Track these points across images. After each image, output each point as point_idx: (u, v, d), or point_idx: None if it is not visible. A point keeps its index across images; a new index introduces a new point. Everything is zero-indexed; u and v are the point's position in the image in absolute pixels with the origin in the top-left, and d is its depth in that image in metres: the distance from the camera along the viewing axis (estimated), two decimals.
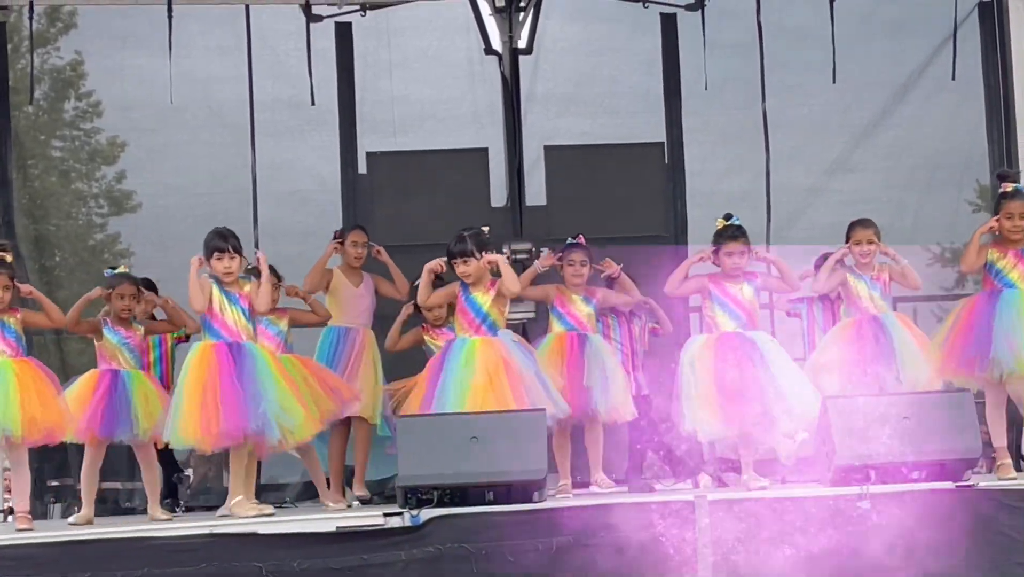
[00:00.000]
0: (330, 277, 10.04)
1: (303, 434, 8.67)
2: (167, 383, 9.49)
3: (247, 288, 8.76)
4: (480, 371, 8.62)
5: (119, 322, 9.10)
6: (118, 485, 10.69)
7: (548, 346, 9.40)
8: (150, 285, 9.66)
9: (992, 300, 8.89)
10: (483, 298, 8.92)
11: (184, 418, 8.40)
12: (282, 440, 8.58)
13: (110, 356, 9.05)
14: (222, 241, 8.72)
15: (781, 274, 9.24)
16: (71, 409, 8.70)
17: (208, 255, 8.70)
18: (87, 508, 8.98)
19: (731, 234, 9.09)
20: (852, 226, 9.52)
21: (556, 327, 9.51)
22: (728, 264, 9.06)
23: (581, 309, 9.47)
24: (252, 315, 8.75)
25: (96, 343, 9.12)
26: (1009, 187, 9.06)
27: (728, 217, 9.20)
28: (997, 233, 9.11)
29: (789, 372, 8.85)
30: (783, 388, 8.74)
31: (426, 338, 9.79)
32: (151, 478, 9.09)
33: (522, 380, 8.67)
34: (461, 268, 8.94)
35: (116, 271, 9.32)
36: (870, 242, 9.41)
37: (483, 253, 8.90)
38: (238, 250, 8.77)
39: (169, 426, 8.49)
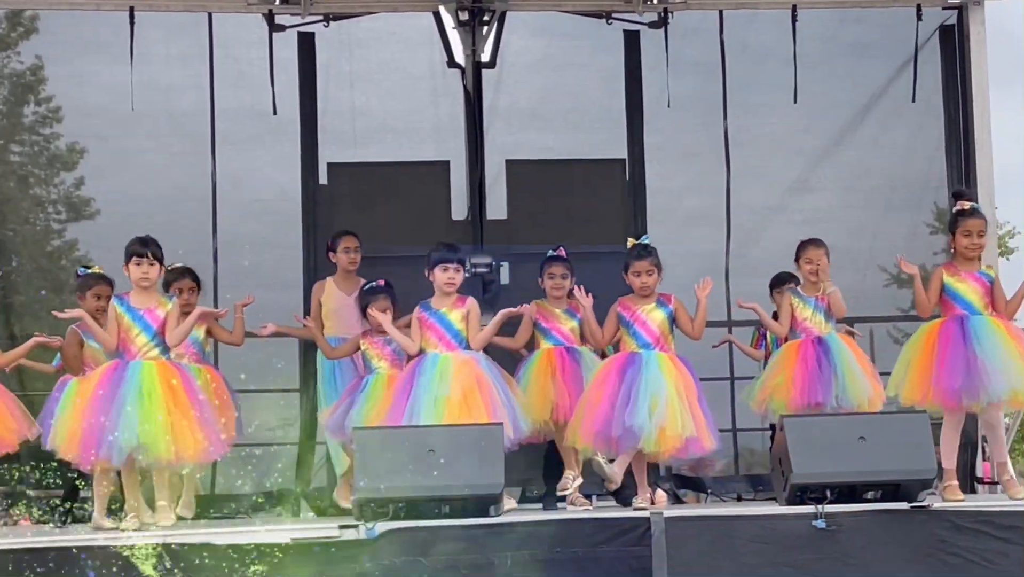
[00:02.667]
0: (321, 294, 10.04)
1: (157, 454, 8.41)
2: None
3: (165, 307, 8.74)
4: (455, 387, 8.61)
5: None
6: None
7: (536, 363, 9.40)
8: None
9: (962, 327, 8.91)
10: (454, 315, 8.92)
11: (59, 435, 8.51)
12: (141, 462, 8.49)
13: (94, 361, 9.05)
14: (141, 246, 8.73)
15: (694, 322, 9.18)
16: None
17: (127, 260, 8.72)
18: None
19: (636, 253, 9.09)
20: (803, 245, 9.57)
21: (543, 343, 9.51)
22: (637, 284, 9.08)
23: (565, 323, 9.48)
24: (160, 333, 8.68)
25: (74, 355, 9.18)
26: (966, 205, 9.12)
27: (637, 237, 9.29)
28: (952, 252, 9.16)
29: (658, 392, 8.78)
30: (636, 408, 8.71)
31: (363, 345, 9.63)
32: (101, 486, 9.02)
33: (495, 399, 8.67)
34: (452, 275, 8.93)
35: (90, 270, 9.32)
36: (820, 261, 9.45)
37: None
38: (158, 258, 8.75)
39: (51, 439, 8.58)
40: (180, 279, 9.80)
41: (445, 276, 9.02)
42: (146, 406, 8.38)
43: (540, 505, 9.75)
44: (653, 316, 9.03)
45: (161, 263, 8.79)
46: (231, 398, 9.58)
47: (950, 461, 9.00)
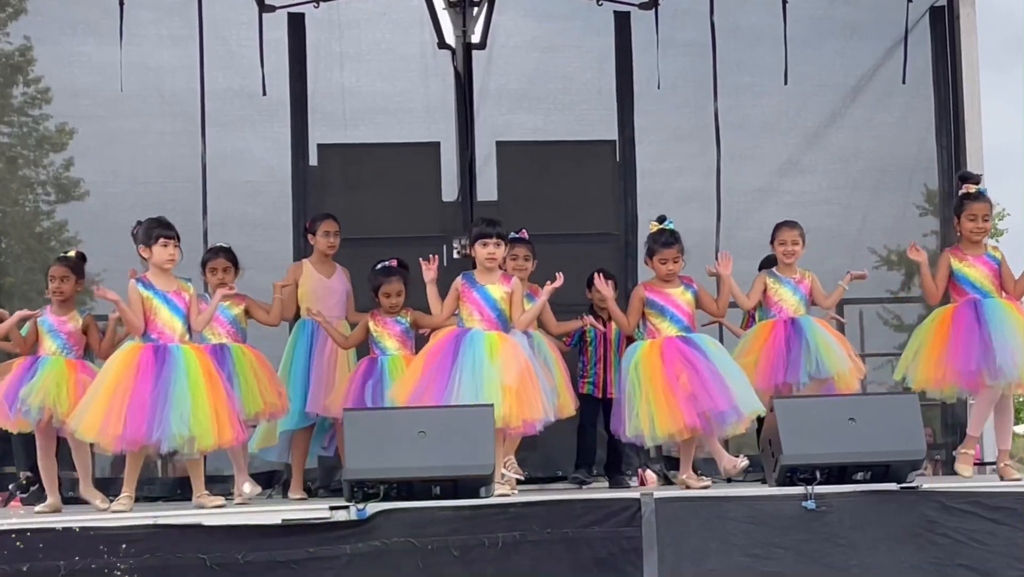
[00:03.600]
0: (299, 275, 10.00)
1: (203, 445, 8.44)
2: None
3: (188, 290, 8.69)
4: (516, 371, 8.56)
5: (56, 308, 9.07)
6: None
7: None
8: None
9: (976, 310, 8.91)
10: (497, 291, 8.87)
11: (91, 415, 8.33)
12: (185, 449, 8.44)
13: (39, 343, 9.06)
14: (165, 228, 8.64)
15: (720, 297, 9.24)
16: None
17: (151, 242, 8.59)
18: (52, 496, 8.93)
19: (664, 240, 9.08)
20: (778, 227, 9.58)
21: None
22: (663, 272, 9.07)
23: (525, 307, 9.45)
24: (188, 317, 8.64)
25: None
26: (972, 188, 9.10)
27: (661, 220, 9.19)
28: (959, 236, 9.16)
29: (733, 372, 8.88)
30: (730, 387, 8.76)
31: (371, 326, 9.60)
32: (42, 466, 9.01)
33: (541, 387, 8.68)
34: (492, 250, 8.86)
35: (69, 255, 9.31)
36: (795, 243, 9.46)
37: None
38: (178, 239, 8.71)
39: (76, 419, 8.43)
40: (215, 258, 9.72)
41: (485, 251, 8.86)
42: (195, 395, 8.35)
43: (530, 485, 9.77)
44: (685, 298, 9.05)
45: (177, 242, 8.74)
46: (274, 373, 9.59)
47: (977, 429, 9.04)
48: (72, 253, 9.36)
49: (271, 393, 9.31)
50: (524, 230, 9.72)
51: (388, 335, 9.47)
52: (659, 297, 9.04)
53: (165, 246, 8.59)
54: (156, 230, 8.63)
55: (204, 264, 9.67)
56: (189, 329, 8.62)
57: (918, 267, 9.25)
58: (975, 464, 10.70)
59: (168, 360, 8.38)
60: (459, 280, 8.90)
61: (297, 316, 10.00)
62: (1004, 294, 9.05)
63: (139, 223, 8.82)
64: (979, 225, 9.03)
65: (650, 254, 9.12)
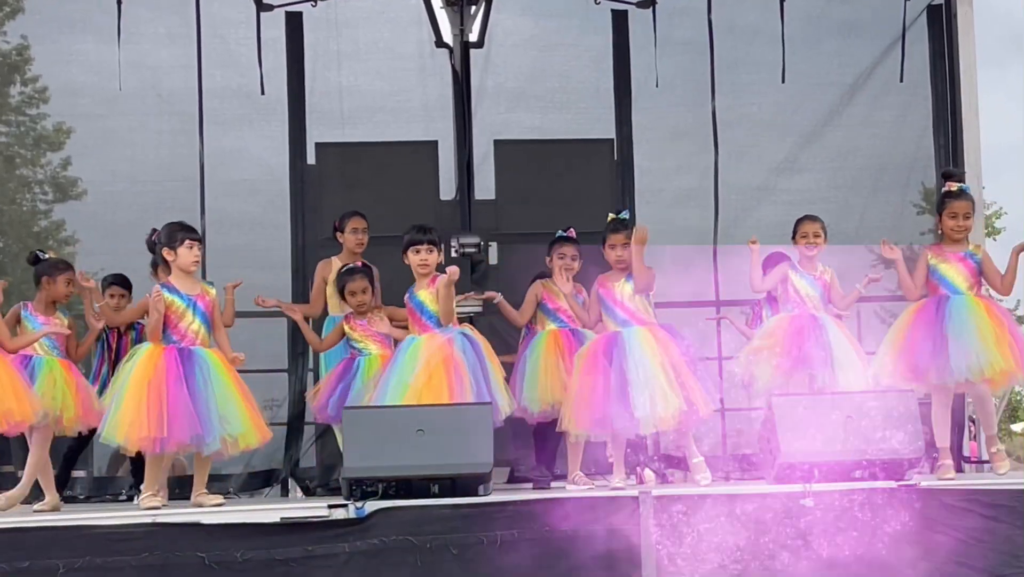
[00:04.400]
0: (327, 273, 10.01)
1: (247, 443, 8.53)
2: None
3: (211, 293, 8.68)
4: (421, 368, 8.60)
5: (40, 308, 9.07)
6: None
7: (543, 343, 9.43)
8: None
9: (940, 306, 8.94)
10: (426, 295, 8.90)
11: (125, 418, 8.28)
12: (224, 449, 8.48)
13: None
14: (190, 231, 8.63)
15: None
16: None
17: (176, 244, 8.56)
18: (50, 494, 8.93)
19: (613, 226, 9.07)
20: (799, 221, 9.58)
21: (548, 324, 9.51)
22: (612, 257, 9.05)
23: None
24: (212, 320, 8.63)
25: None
26: (954, 186, 9.11)
27: (618, 212, 9.25)
28: (940, 233, 9.17)
29: (645, 375, 8.76)
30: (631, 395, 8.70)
31: (346, 328, 9.64)
32: (34, 462, 8.99)
33: (462, 378, 8.65)
34: (425, 256, 8.90)
35: (47, 256, 9.28)
36: (816, 236, 9.46)
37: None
38: (202, 241, 8.73)
39: (106, 423, 8.37)
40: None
41: (417, 258, 8.96)
42: (232, 395, 8.40)
43: (530, 484, 9.77)
44: (625, 291, 9.00)
45: (200, 242, 8.73)
46: None
47: (943, 440, 9.04)
48: (52, 255, 9.36)
49: None
50: (572, 228, 9.72)
51: (364, 337, 9.49)
52: (603, 291, 9.05)
53: (191, 248, 8.57)
54: (180, 233, 8.60)
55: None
56: (210, 332, 8.62)
57: (894, 264, 9.28)
58: (973, 462, 10.75)
59: (197, 363, 8.39)
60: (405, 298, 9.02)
61: (325, 313, 10.03)
62: (983, 292, 9.06)
63: (154, 230, 8.84)
64: (959, 223, 9.03)
65: (603, 242, 9.12)
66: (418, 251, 8.97)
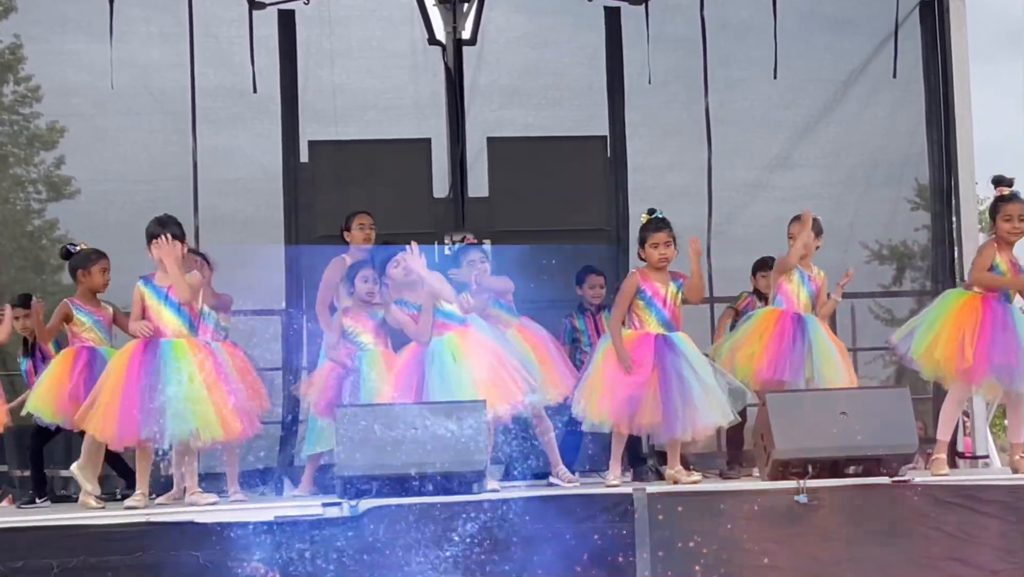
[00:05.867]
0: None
1: (210, 436, 8.47)
2: None
3: (195, 281, 8.72)
4: (477, 365, 8.56)
5: (85, 301, 9.19)
6: (54, 472, 10.61)
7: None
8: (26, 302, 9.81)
9: (1007, 308, 8.91)
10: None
11: (92, 413, 8.43)
12: (184, 442, 8.48)
13: (84, 335, 9.18)
14: (159, 226, 8.67)
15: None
16: (52, 390, 8.91)
17: (148, 242, 8.64)
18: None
19: (656, 225, 9.04)
20: (793, 220, 9.58)
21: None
22: (655, 256, 9.01)
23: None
24: (192, 309, 8.66)
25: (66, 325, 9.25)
26: (1005, 191, 9.13)
27: (651, 212, 9.12)
28: (993, 235, 9.18)
29: (701, 383, 8.75)
30: (692, 402, 8.67)
31: (344, 321, 9.56)
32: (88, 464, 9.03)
33: (513, 365, 8.66)
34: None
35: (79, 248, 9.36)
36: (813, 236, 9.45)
37: None
38: (176, 236, 8.71)
39: (80, 415, 8.53)
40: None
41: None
42: (190, 387, 8.38)
43: (522, 482, 9.76)
44: (671, 292, 8.99)
45: (182, 240, 8.75)
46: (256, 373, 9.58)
47: (946, 434, 9.03)
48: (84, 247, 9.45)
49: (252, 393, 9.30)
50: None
51: (362, 330, 9.47)
52: (648, 288, 8.98)
53: (159, 247, 8.62)
54: (149, 229, 8.68)
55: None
56: (193, 325, 8.66)
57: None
58: (968, 457, 10.76)
59: (158, 354, 8.41)
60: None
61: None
62: None
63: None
64: (1015, 225, 9.01)
65: (641, 242, 9.07)
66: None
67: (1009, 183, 9.23)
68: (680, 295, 8.94)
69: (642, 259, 9.02)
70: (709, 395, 8.70)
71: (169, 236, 8.56)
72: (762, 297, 10.07)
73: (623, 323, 8.94)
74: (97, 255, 9.40)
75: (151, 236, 8.63)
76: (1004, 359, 8.75)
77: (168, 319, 8.57)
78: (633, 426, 8.77)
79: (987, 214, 9.29)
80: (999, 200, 9.12)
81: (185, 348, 8.50)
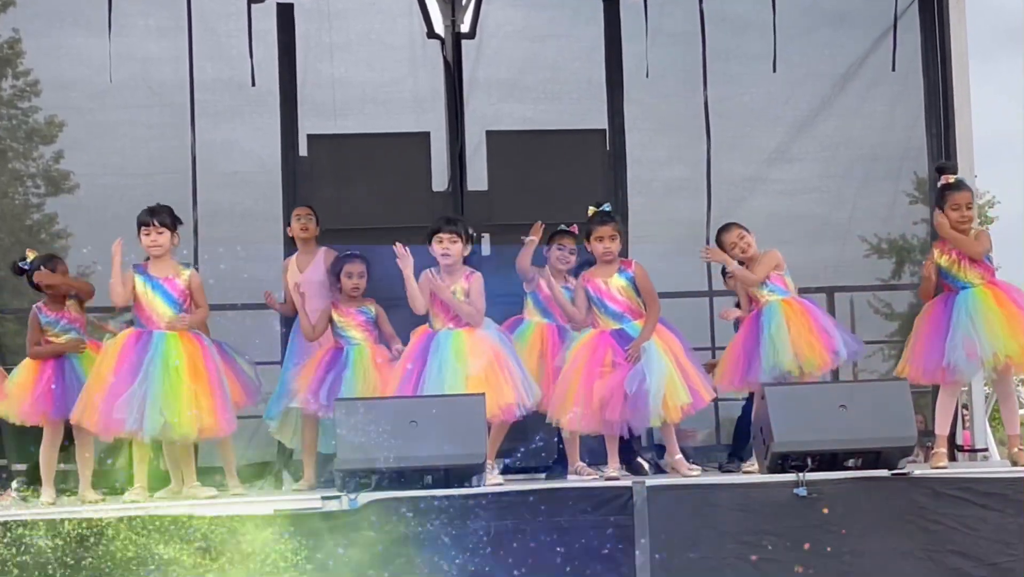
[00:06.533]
0: None
1: (183, 433, 8.53)
2: None
3: (184, 275, 8.75)
4: (474, 361, 8.58)
5: (51, 306, 9.14)
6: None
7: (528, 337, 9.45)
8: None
9: (947, 303, 8.90)
10: (457, 288, 8.88)
11: (82, 403, 8.48)
12: (167, 435, 8.52)
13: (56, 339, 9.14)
14: (148, 215, 8.74)
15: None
16: (17, 391, 8.89)
17: (138, 232, 8.72)
18: (48, 488, 8.96)
19: (600, 219, 9.05)
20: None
21: (536, 317, 9.49)
22: (599, 249, 9.03)
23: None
24: (183, 301, 8.70)
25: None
26: (951, 178, 9.03)
27: (597, 205, 9.20)
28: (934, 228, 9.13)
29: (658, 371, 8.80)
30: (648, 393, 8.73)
31: (334, 316, 9.57)
32: (84, 458, 9.04)
33: (512, 373, 8.67)
34: (448, 246, 8.86)
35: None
36: (741, 238, 9.43)
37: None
38: (167, 225, 8.73)
39: (74, 408, 8.56)
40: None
41: (440, 248, 8.93)
42: (173, 381, 8.42)
43: (522, 475, 9.77)
44: (616, 284, 9.00)
45: (172, 229, 8.77)
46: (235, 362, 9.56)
47: (943, 428, 9.04)
48: (32, 255, 9.40)
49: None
50: (575, 225, 9.68)
51: (352, 324, 9.47)
52: (591, 287, 9.04)
53: (147, 234, 8.74)
54: (139, 219, 8.79)
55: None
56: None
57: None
58: (966, 451, 10.76)
59: (150, 346, 8.42)
60: (430, 273, 8.91)
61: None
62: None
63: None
64: (963, 214, 8.91)
65: (587, 236, 9.11)
66: (441, 240, 8.94)
67: (953, 170, 9.17)
68: (632, 284, 8.93)
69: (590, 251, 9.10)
70: (680, 374, 8.74)
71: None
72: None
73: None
74: (57, 258, 9.41)
75: (139, 226, 8.68)
76: (938, 357, 8.78)
77: (161, 309, 8.58)
78: (607, 425, 8.80)
79: (936, 205, 9.12)
80: (945, 188, 8.99)
81: (177, 341, 8.51)
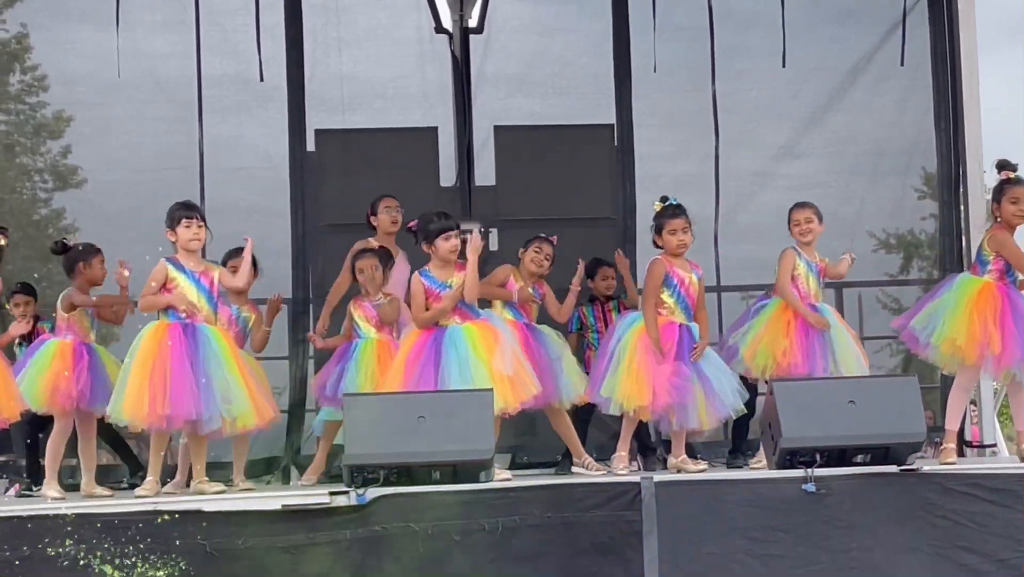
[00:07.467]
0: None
1: (245, 423, 8.61)
2: None
3: (214, 271, 8.75)
4: (501, 358, 8.57)
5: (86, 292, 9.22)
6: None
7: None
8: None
9: (1017, 295, 8.90)
10: (456, 280, 8.86)
11: (131, 396, 8.34)
12: (224, 428, 8.53)
13: (80, 329, 9.12)
14: (188, 209, 8.71)
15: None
16: (38, 380, 8.86)
17: (175, 224, 8.65)
18: (52, 482, 8.96)
19: (672, 212, 9.05)
20: (792, 208, 9.59)
21: (505, 314, 9.48)
22: (674, 243, 9.03)
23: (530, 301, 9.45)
24: (215, 297, 8.70)
25: (66, 315, 9.18)
26: (1011, 174, 9.13)
27: (664, 199, 9.17)
28: (996, 219, 9.16)
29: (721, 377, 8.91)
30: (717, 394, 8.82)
31: (352, 311, 9.60)
32: (89, 452, 9.02)
33: (527, 365, 8.70)
34: (456, 243, 8.84)
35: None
36: (808, 221, 9.46)
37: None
38: (204, 220, 8.76)
39: (113, 401, 8.44)
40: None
41: (448, 245, 8.87)
42: (232, 373, 8.47)
43: (529, 470, 9.77)
44: (692, 281, 9.05)
45: (206, 226, 8.76)
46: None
47: (954, 424, 9.03)
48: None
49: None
50: (555, 236, 9.69)
51: (363, 318, 9.51)
52: (675, 275, 9.02)
53: (188, 227, 8.65)
54: (178, 212, 8.72)
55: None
56: (214, 310, 8.71)
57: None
58: (976, 446, 10.75)
59: (200, 339, 8.43)
60: (420, 279, 8.86)
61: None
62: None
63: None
64: (1021, 208, 9.04)
65: (658, 229, 9.09)
66: (448, 238, 8.91)
67: (1014, 167, 9.23)
68: (699, 284, 8.97)
69: (658, 246, 9.06)
70: (726, 382, 8.82)
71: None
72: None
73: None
74: (96, 248, 9.40)
75: (179, 219, 8.63)
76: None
77: (199, 302, 8.58)
78: (664, 414, 8.80)
79: (990, 198, 9.24)
80: (1005, 183, 9.09)
81: (220, 335, 8.55)
